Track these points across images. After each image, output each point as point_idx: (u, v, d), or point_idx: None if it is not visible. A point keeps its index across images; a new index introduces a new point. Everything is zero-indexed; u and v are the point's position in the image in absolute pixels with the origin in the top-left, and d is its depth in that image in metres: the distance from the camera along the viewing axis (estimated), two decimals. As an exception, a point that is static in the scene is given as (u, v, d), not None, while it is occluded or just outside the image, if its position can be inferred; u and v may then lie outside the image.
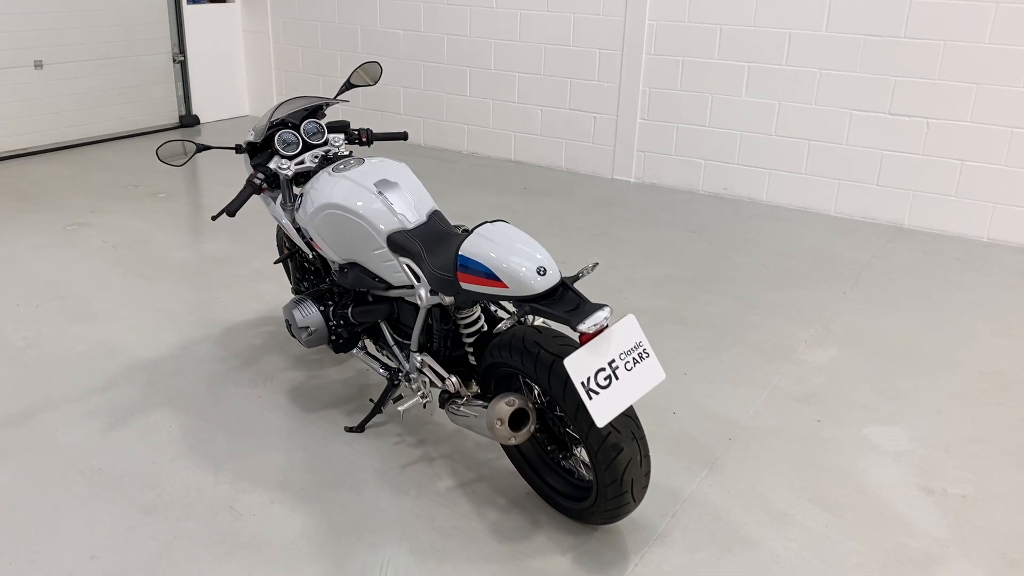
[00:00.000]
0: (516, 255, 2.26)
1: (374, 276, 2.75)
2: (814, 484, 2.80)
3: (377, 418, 3.08)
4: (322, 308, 2.96)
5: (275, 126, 3.09)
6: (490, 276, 2.27)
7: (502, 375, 2.55)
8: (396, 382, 2.96)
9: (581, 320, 2.12)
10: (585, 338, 2.15)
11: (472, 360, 2.71)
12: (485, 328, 2.71)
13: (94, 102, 7.11)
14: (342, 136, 3.15)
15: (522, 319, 2.45)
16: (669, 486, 2.76)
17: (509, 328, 2.48)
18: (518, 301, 2.25)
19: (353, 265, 2.81)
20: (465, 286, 2.34)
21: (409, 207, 2.68)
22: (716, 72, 5.83)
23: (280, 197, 3.23)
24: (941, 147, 5.25)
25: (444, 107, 7.11)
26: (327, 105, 3.20)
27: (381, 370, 3.05)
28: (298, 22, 7.70)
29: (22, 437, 2.97)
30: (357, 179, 2.76)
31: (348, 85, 3.36)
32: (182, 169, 6.41)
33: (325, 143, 3.12)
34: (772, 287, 4.41)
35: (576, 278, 2.33)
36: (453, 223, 4.68)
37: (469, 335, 2.67)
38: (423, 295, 2.56)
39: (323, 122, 3.15)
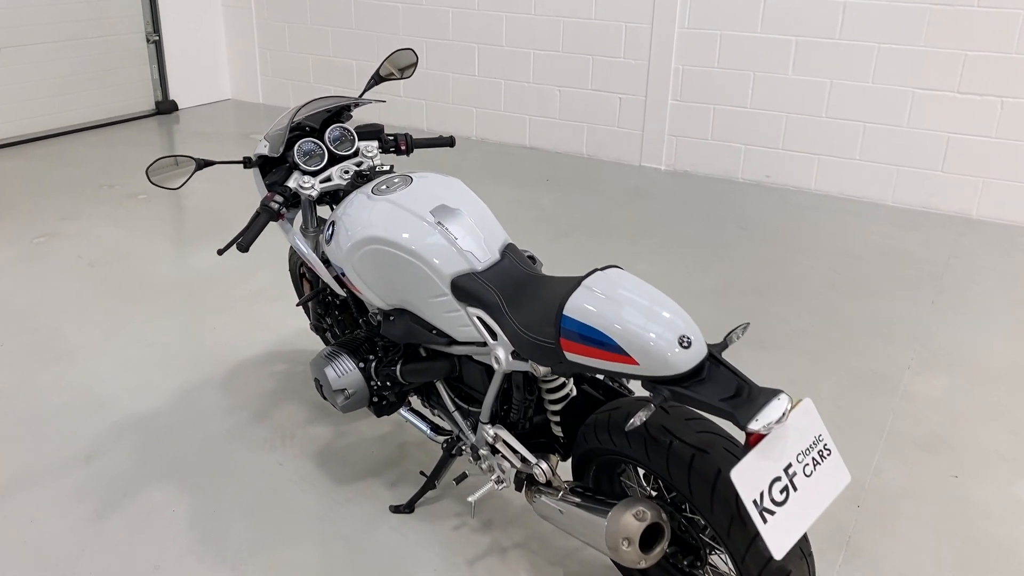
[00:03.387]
0: (646, 318, 1.69)
1: (431, 328, 2.16)
2: (971, 565, 2.28)
3: (430, 492, 2.52)
4: (361, 364, 2.37)
5: (293, 132, 2.49)
6: (611, 348, 1.70)
7: (606, 462, 1.99)
8: (454, 452, 2.40)
9: (751, 415, 1.56)
10: (754, 439, 1.59)
11: (557, 430, 2.15)
12: (575, 392, 2.14)
13: (61, 89, 6.39)
14: (375, 144, 2.55)
15: (661, 405, 1.80)
16: (804, 580, 2.22)
17: (617, 403, 1.92)
18: (652, 382, 1.68)
19: (403, 312, 2.22)
20: (572, 357, 1.78)
21: (478, 242, 2.10)
22: (759, 47, 5.24)
23: (299, 219, 2.63)
24: (1017, 130, 4.71)
25: (450, 88, 6.47)
26: (354, 106, 2.60)
27: (431, 432, 2.48)
28: (284, -5, 7.01)
29: (-12, 532, 2.38)
30: (406, 204, 2.17)
31: (376, 79, 2.75)
32: (162, 164, 5.74)
33: (355, 153, 2.52)
34: (848, 296, 3.87)
35: (724, 345, 1.76)
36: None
37: (556, 400, 2.11)
38: (501, 357, 1.98)
39: (350, 126, 2.55)
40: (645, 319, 1.69)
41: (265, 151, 2.45)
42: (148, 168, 2.31)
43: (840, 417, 2.96)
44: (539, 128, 6.19)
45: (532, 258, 2.36)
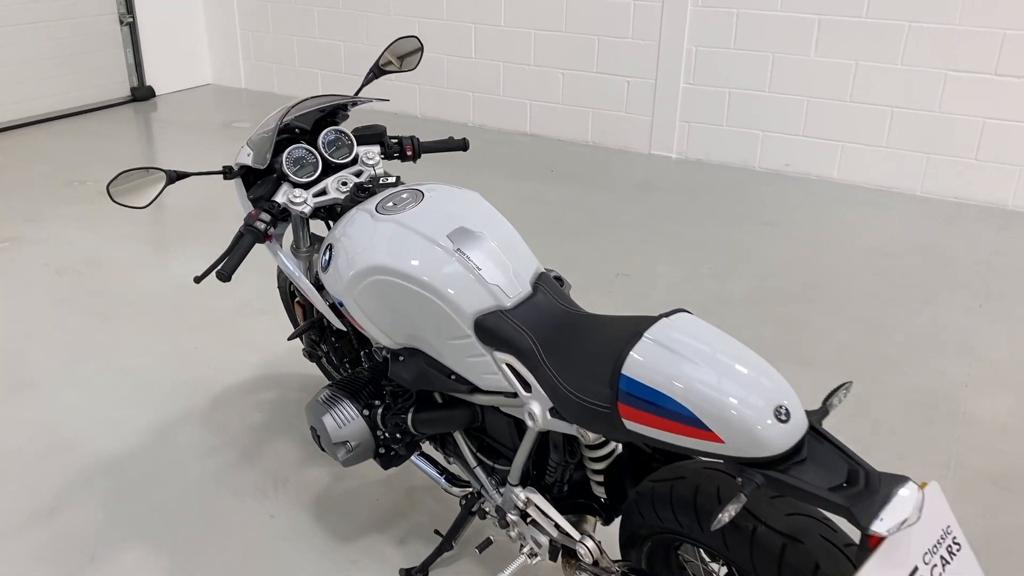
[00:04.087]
0: (731, 381, 1.35)
1: (449, 372, 1.82)
2: (1086, 642, 1.97)
3: (447, 552, 2.18)
4: (366, 412, 2.02)
5: (281, 136, 2.13)
6: (685, 419, 1.36)
7: (665, 539, 1.66)
8: (474, 510, 2.06)
9: (873, 513, 1.22)
10: (873, 541, 1.26)
11: (600, 490, 1.82)
12: (620, 447, 1.81)
13: (26, 75, 5.96)
14: (377, 149, 2.19)
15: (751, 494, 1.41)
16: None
17: (679, 470, 1.59)
18: (741, 464, 1.35)
19: (414, 353, 1.88)
20: (633, 426, 1.44)
21: (505, 272, 1.75)
22: (778, 26, 4.88)
23: (289, 236, 2.28)
24: (1060, 114, 4.39)
25: (444, 72, 6.08)
26: (351, 105, 2.24)
27: (446, 482, 2.15)
28: (266, -27, 6.58)
29: (-70, 612, 2.04)
30: (418, 226, 1.82)
31: (375, 72, 2.38)
32: (140, 158, 5.35)
33: (354, 161, 2.16)
34: (889, 301, 3.55)
35: (824, 413, 1.42)
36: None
37: (598, 459, 1.77)
38: (537, 414, 1.65)
39: (347, 129, 2.19)
40: (730, 383, 1.35)
41: (248, 160, 2.09)
42: (110, 184, 1.95)
43: (902, 446, 2.64)
44: (541, 114, 5.81)
45: (559, 279, 2.02)
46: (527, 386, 1.67)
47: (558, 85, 5.67)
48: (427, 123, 6.13)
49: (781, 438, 1.31)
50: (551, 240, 4.13)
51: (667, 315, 1.49)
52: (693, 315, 1.51)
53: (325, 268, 1.96)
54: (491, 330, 1.69)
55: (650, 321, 1.49)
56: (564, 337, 1.64)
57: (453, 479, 2.15)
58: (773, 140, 5.11)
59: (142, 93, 6.64)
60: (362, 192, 2.03)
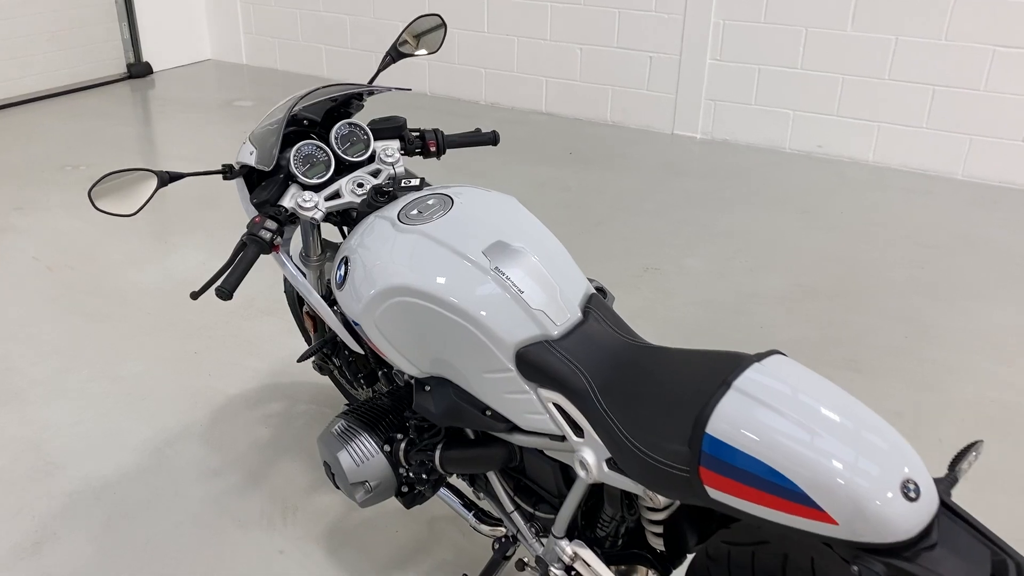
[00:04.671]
0: (847, 448, 1.11)
1: (484, 408, 1.58)
2: None
3: (475, 598, 1.96)
4: (387, 447, 1.78)
5: (288, 128, 1.88)
6: (789, 494, 1.12)
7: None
8: (509, 555, 1.83)
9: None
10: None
11: (657, 542, 1.58)
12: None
13: (16, 51, 5.68)
14: (396, 145, 1.94)
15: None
16: None
17: (758, 531, 1.35)
18: (856, 549, 1.11)
19: (443, 383, 1.64)
20: (720, 496, 1.20)
21: (551, 295, 1.51)
22: (813, -1, 4.59)
23: (299, 242, 2.05)
24: (1116, 94, 4.11)
25: (455, 47, 5.78)
26: (367, 94, 1.98)
27: (475, 520, 1.92)
28: (267, -58, 6.27)
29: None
30: (448, 239, 1.58)
31: (393, 56, 2.13)
32: (137, 139, 5.09)
33: (371, 158, 1.91)
34: (939, 298, 3.30)
35: (953, 481, 1.18)
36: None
37: (659, 509, 1.54)
38: (591, 464, 1.41)
39: (362, 122, 1.94)
40: (843, 448, 1.11)
41: (251, 160, 1.84)
42: (92, 188, 1.70)
43: (975, 474, 2.40)
44: (558, 92, 5.53)
45: (601, 291, 1.78)
46: (579, 430, 1.44)
47: (576, 61, 5.38)
48: (436, 101, 5.85)
49: (909, 519, 1.07)
50: (573, 230, 3.88)
51: (758, 358, 1.25)
52: (789, 358, 1.26)
53: (340, 285, 1.72)
54: (535, 364, 1.45)
55: (737, 365, 1.24)
56: (625, 375, 1.40)
57: (483, 515, 1.93)
58: (804, 120, 4.83)
59: (139, 70, 6.36)
60: (381, 196, 1.78)
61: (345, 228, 1.94)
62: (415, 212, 1.67)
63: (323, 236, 2.01)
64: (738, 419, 1.17)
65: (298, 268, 1.94)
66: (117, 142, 4.98)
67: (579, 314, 1.52)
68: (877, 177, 4.55)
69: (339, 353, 2.16)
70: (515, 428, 1.57)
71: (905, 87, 4.51)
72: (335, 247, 2.02)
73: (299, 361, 2.00)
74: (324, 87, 1.91)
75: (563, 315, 1.49)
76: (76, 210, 4.05)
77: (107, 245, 3.71)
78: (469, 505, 1.95)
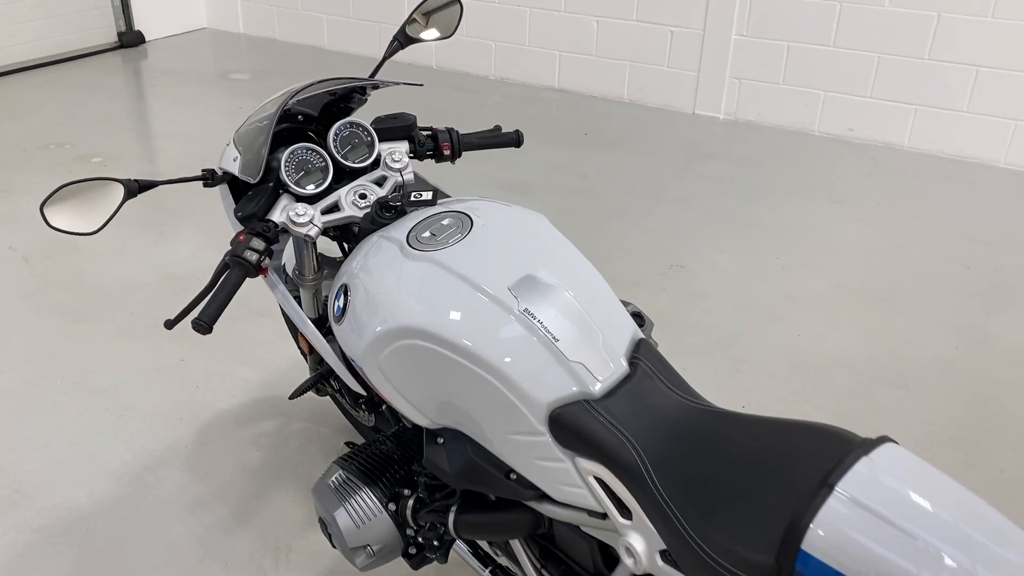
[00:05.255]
0: (984, 569, 0.86)
1: (508, 471, 1.33)
2: None
3: (492, 666, 1.72)
4: (392, 505, 1.53)
5: (280, 126, 1.62)
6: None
7: None
8: (533, 623, 1.59)
9: None
10: None
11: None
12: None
13: None
14: (404, 148, 1.68)
15: None
16: None
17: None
18: None
19: (459, 437, 1.39)
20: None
21: (593, 344, 1.26)
22: (849, -29, 4.28)
23: (289, 256, 1.80)
24: None
25: (464, 19, 5.45)
26: (371, 88, 1.71)
27: (492, 576, 1.68)
28: (264, -96, 5.92)
29: None
30: (468, 271, 1.32)
31: (402, 40, 1.85)
32: (127, 114, 4.81)
33: (375, 164, 1.65)
34: (994, 306, 3.04)
35: None
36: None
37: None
38: (640, 553, 1.17)
39: (365, 121, 1.67)
40: (982, 571, 0.86)
41: (235, 167, 1.57)
42: (45, 202, 1.44)
43: (1039, 508, 2.16)
44: (571, 67, 5.22)
45: (639, 316, 1.53)
46: (625, 511, 1.19)
47: (591, 34, 5.07)
48: (442, 75, 5.55)
49: None
50: (592, 221, 3.61)
51: (865, 448, 0.99)
52: (902, 448, 1.01)
53: (338, 317, 1.46)
54: (573, 429, 1.20)
55: (839, 456, 0.99)
56: (685, 448, 1.15)
57: (501, 573, 1.68)
58: (836, 101, 4.53)
59: (130, 39, 6.04)
60: (386, 211, 1.52)
61: (345, 244, 1.68)
62: (427, 234, 1.41)
63: (320, 251, 1.75)
64: (843, 534, 0.92)
65: (291, 289, 1.68)
66: (105, 118, 4.69)
67: (625, 366, 1.26)
68: (912, 164, 4.27)
69: (337, 377, 1.91)
70: (545, 496, 1.32)
71: (946, 67, 4.21)
72: (334, 264, 1.76)
73: (291, 398, 1.74)
74: (321, 81, 1.63)
75: (606, 368, 1.24)
76: (58, 194, 3.77)
77: (90, 234, 3.44)
78: (485, 559, 1.71)
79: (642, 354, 1.28)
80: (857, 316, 2.96)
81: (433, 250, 1.37)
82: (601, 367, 1.24)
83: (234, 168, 1.57)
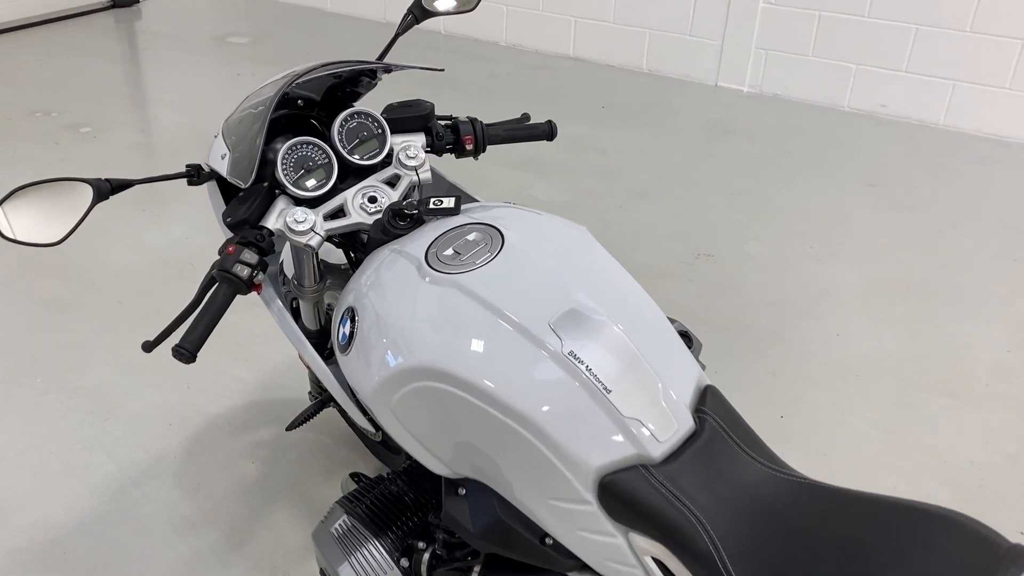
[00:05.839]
0: None
1: (543, 535, 1.13)
2: None
3: None
4: (406, 560, 1.34)
5: (278, 114, 1.40)
6: None
7: None
8: None
9: None
10: None
11: None
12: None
13: (-14, -24, 5.11)
14: (420, 142, 1.45)
15: None
16: None
17: None
18: None
19: (483, 490, 1.19)
20: None
21: (651, 395, 1.05)
22: (889, -65, 4.00)
23: (287, 263, 1.59)
24: None
25: (474, -20, 5.18)
26: (383, 71, 1.48)
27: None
28: None
29: None
30: (499, 301, 1.11)
31: (417, 14, 1.62)
32: (119, 80, 4.55)
33: (386, 160, 1.42)
34: (1045, 301, 2.83)
35: None
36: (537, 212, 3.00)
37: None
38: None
39: (373, 109, 1.44)
40: None
41: (224, 165, 1.36)
42: (1, 202, 1.22)
43: (1111, 539, 1.97)
44: (587, 34, 4.95)
45: (685, 336, 1.32)
46: (689, 599, 0.99)
47: (609, 1, 4.80)
48: (451, 41, 5.28)
49: None
50: (615, 200, 3.39)
51: (1013, 558, 0.79)
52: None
53: (344, 346, 1.25)
54: (629, 500, 1.00)
55: (982, 563, 0.79)
56: (767, 529, 0.95)
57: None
58: (868, 75, 4.27)
59: (123, -2, 5.77)
60: (400, 220, 1.30)
61: (352, 254, 1.46)
62: (450, 252, 1.20)
63: (323, 256, 1.54)
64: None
65: (286, 302, 1.47)
66: (96, 83, 4.44)
67: (691, 422, 1.05)
68: (949, 143, 4.03)
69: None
70: (586, 567, 1.12)
71: (989, 41, 3.95)
72: (339, 272, 1.55)
73: (288, 430, 1.54)
74: (325, 64, 1.40)
75: (669, 427, 1.03)
76: (45, 166, 3.55)
77: (76, 212, 3.22)
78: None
79: (709, 406, 1.07)
80: (898, 314, 2.75)
81: (457, 272, 1.16)
82: (662, 424, 1.03)
83: (222, 167, 1.35)
